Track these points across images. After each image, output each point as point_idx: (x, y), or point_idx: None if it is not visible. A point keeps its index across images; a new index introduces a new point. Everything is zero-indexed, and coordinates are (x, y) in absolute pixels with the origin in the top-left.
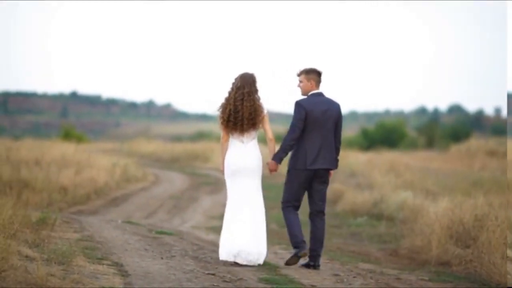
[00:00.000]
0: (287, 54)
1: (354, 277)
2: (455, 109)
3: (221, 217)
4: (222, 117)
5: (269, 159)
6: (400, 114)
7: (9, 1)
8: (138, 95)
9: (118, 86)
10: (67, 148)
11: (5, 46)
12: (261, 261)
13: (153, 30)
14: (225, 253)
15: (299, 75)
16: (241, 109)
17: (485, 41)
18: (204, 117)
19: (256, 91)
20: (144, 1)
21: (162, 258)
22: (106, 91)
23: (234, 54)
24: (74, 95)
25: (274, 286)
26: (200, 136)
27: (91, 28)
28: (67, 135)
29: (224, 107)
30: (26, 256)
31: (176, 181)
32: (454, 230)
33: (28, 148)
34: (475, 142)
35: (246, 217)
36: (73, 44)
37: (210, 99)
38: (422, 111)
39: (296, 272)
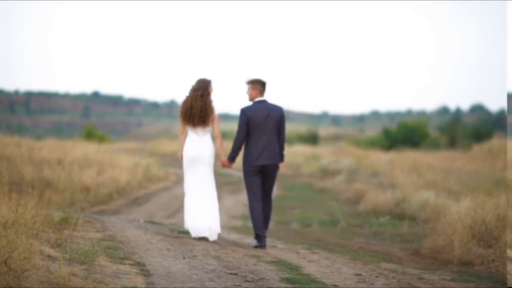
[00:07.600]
0: (308, 53)
1: (376, 276)
2: (477, 109)
3: (243, 217)
4: (181, 111)
5: (223, 156)
6: (422, 114)
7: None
8: (160, 95)
9: (140, 86)
10: (89, 148)
11: (28, 46)
12: (215, 238)
13: (175, 31)
14: (188, 227)
15: (247, 84)
16: (195, 107)
17: None
18: (224, 117)
19: (208, 94)
20: (167, 1)
21: (184, 258)
22: (128, 91)
23: (254, 56)
24: (96, 95)
25: (296, 285)
26: (221, 136)
27: (113, 28)
28: (89, 135)
29: (184, 104)
30: (48, 256)
31: None
32: (477, 229)
33: (50, 148)
34: (498, 142)
35: (200, 200)
36: (95, 44)
37: (231, 99)
38: (444, 110)
39: (318, 272)
